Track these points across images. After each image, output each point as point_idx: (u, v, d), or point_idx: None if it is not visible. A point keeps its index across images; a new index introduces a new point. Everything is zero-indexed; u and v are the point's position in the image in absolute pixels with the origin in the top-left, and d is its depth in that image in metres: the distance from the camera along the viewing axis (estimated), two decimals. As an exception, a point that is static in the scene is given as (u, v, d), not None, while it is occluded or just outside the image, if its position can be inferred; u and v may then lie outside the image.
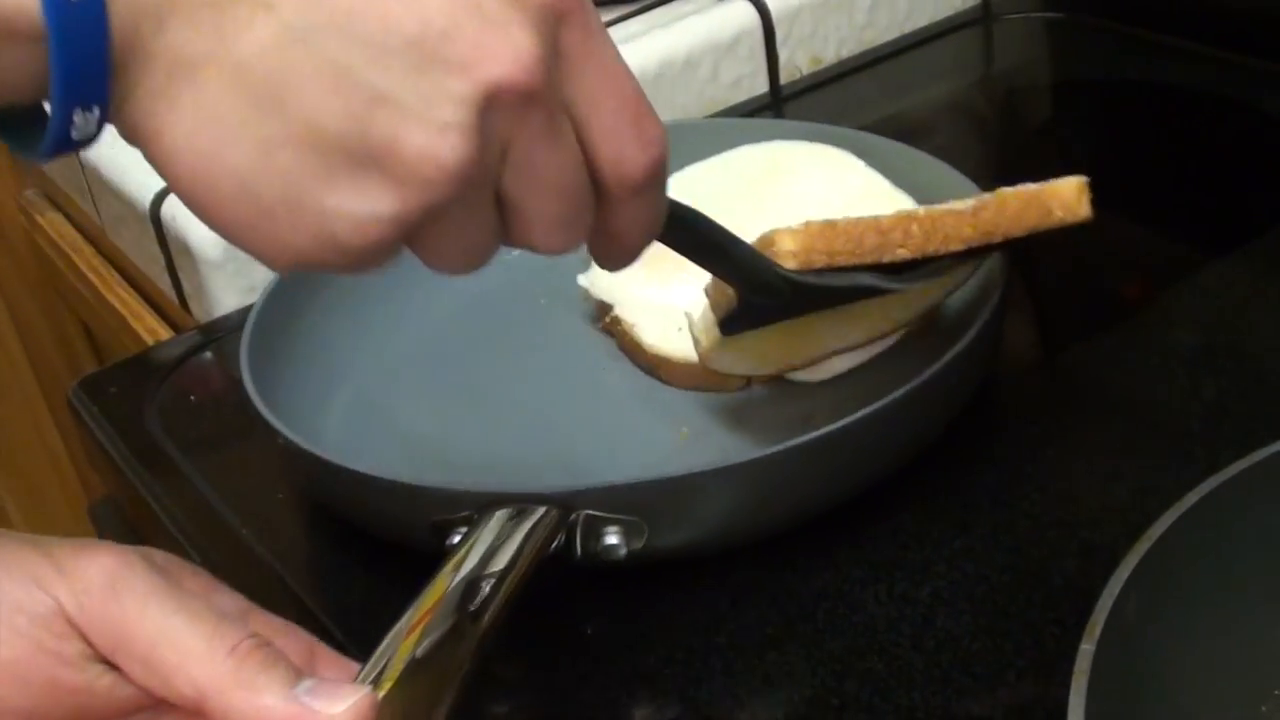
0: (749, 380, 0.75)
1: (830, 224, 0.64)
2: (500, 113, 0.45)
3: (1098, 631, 0.48)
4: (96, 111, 0.42)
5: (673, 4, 1.09)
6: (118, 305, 1.13)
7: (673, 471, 0.61)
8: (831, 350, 0.73)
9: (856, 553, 0.65)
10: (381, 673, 0.50)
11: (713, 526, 0.63)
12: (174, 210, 0.94)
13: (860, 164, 0.82)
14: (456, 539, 0.60)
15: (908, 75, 1.12)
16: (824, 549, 0.65)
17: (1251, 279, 0.82)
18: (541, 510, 0.60)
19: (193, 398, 0.85)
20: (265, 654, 0.50)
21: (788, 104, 1.09)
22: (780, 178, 0.83)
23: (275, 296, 0.79)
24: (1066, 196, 0.68)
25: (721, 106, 1.07)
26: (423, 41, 0.43)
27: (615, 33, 1.05)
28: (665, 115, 1.00)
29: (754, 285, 0.64)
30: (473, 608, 0.55)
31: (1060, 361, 0.78)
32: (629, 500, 0.61)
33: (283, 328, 0.78)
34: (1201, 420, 0.70)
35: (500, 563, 0.57)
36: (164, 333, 1.07)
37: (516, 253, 0.77)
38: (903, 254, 0.65)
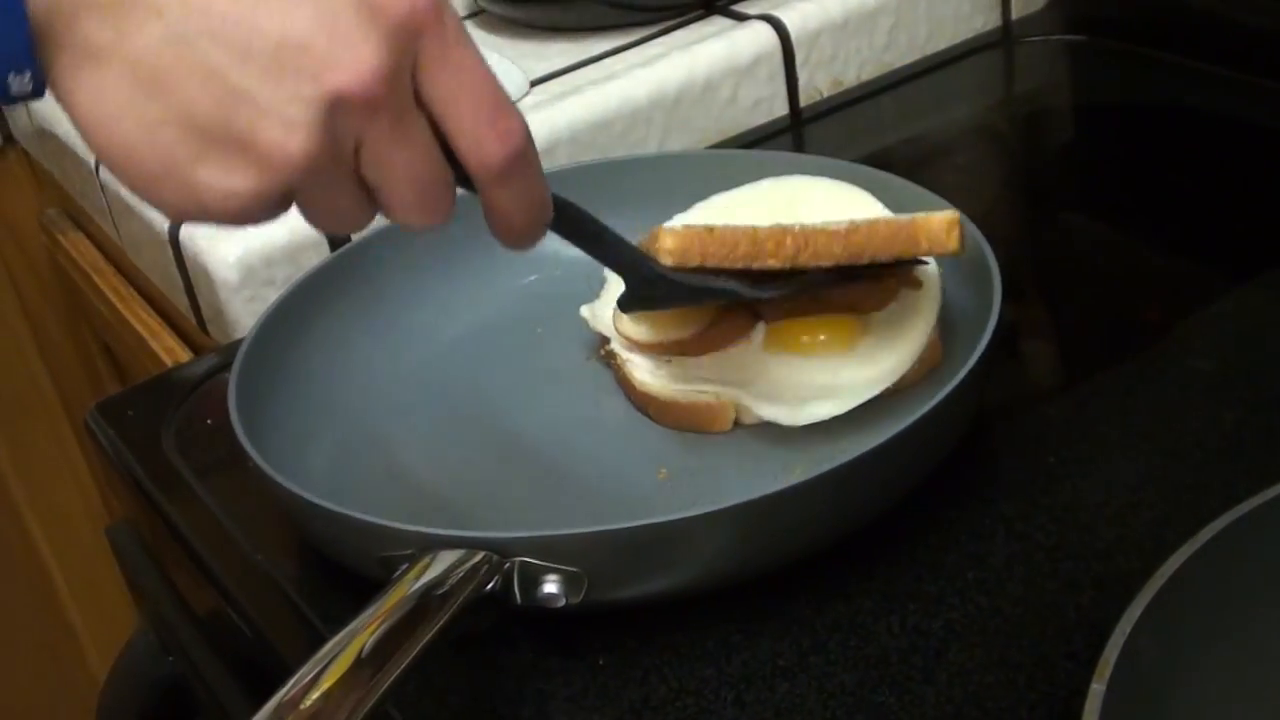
0: (736, 422, 0.75)
1: (709, 228, 0.69)
2: (345, 116, 0.53)
3: (1108, 672, 0.48)
4: (28, 75, 0.52)
5: (692, 27, 1.09)
6: (137, 325, 1.14)
7: (613, 523, 0.62)
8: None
9: (870, 584, 0.65)
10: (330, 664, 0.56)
11: (659, 580, 0.64)
12: (192, 233, 0.94)
13: (877, 204, 0.81)
14: (398, 574, 0.61)
15: (928, 98, 1.12)
16: (838, 580, 0.65)
17: (1270, 306, 0.81)
18: (479, 555, 0.61)
19: (209, 421, 0.85)
20: None
21: (808, 127, 1.09)
22: (796, 213, 0.83)
23: (267, 329, 0.80)
24: (935, 229, 0.71)
25: (741, 129, 1.07)
26: (281, 50, 0.51)
27: (635, 55, 1.06)
28: (684, 138, 1.02)
29: (633, 276, 0.71)
30: (400, 637, 0.58)
31: (1077, 390, 0.77)
32: (565, 550, 0.62)
33: (273, 360, 0.79)
34: (1219, 450, 0.70)
35: (434, 600, 0.59)
36: (183, 353, 1.07)
37: (520, 282, 0.78)
38: (773, 263, 0.70)
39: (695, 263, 0.69)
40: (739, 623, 0.64)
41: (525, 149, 0.58)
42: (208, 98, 0.52)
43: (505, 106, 0.57)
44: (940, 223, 0.71)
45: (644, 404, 0.77)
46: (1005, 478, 0.70)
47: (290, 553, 0.74)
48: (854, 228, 0.70)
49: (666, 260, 0.69)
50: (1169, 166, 0.97)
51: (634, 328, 0.77)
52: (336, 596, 0.70)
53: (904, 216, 0.72)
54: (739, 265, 0.69)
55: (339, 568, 0.69)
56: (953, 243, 0.71)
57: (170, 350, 1.08)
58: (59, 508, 1.56)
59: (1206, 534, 0.54)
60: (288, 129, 0.52)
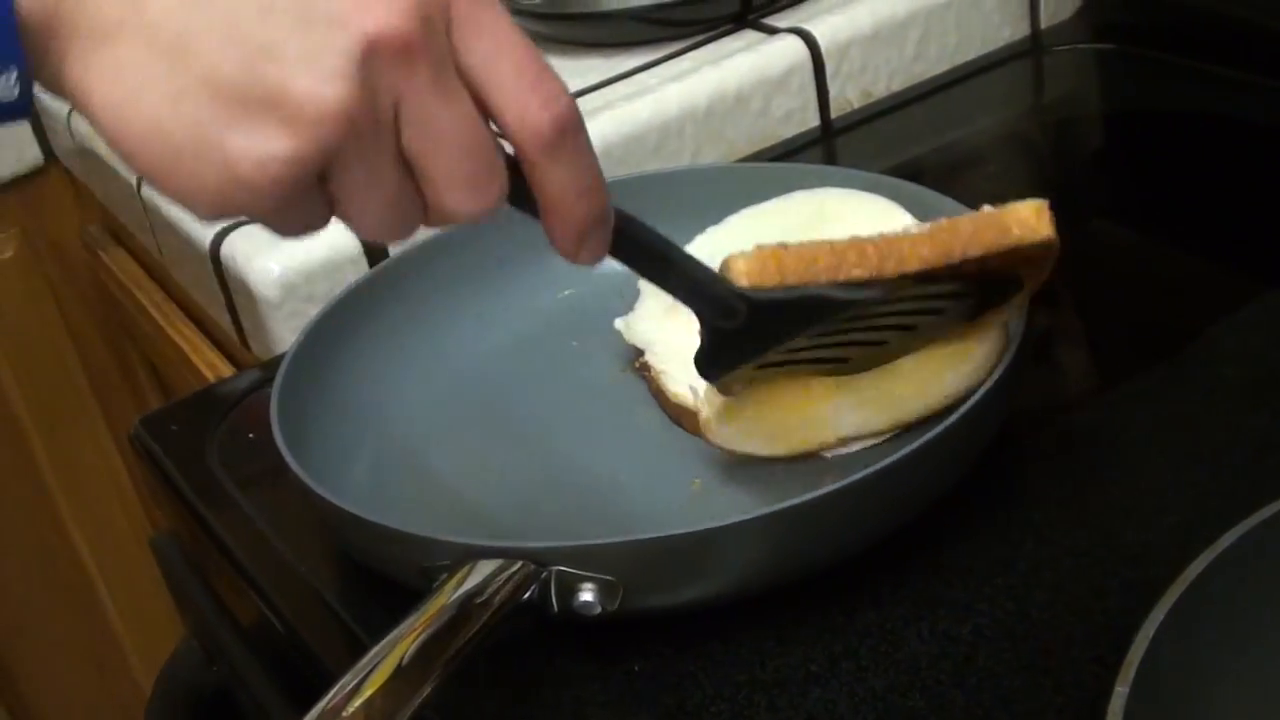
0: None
1: (783, 245, 0.65)
2: (381, 64, 0.49)
3: (1131, 674, 0.49)
4: (15, 74, 0.49)
5: (723, 41, 1.10)
6: (179, 340, 1.16)
7: (647, 533, 0.63)
8: (845, 436, 0.73)
9: (900, 590, 0.66)
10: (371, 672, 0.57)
11: (694, 588, 0.65)
12: (233, 250, 0.95)
13: (907, 216, 0.82)
14: (437, 584, 0.63)
15: (958, 108, 1.13)
16: (869, 586, 0.66)
17: (1299, 313, 0.82)
18: (516, 565, 0.62)
19: (251, 435, 0.86)
20: None
21: (839, 138, 1.10)
22: (825, 226, 0.83)
23: (308, 345, 0.81)
24: (1025, 216, 0.67)
25: (772, 141, 1.08)
26: None
27: (667, 69, 1.07)
28: (715, 150, 1.03)
29: (705, 300, 0.64)
30: (441, 645, 0.59)
31: (1105, 395, 0.78)
32: (600, 560, 0.63)
33: (314, 375, 0.80)
34: (1246, 456, 0.70)
35: (473, 609, 0.61)
36: (224, 368, 1.09)
37: (555, 297, 0.78)
38: (858, 274, 0.65)
39: (773, 282, 0.64)
40: (771, 629, 0.65)
41: (574, 116, 0.54)
42: (233, 56, 0.48)
43: (548, 70, 0.53)
44: (1029, 209, 0.68)
45: (678, 416, 0.78)
46: (1033, 483, 0.71)
47: (331, 563, 0.75)
48: (938, 226, 0.67)
49: (741, 281, 0.64)
50: (1198, 173, 0.98)
51: (738, 435, 0.73)
52: (376, 606, 0.71)
53: (988, 209, 0.69)
54: (821, 279, 0.65)
55: (379, 577, 0.70)
56: (1045, 228, 0.68)
57: (212, 365, 1.09)
58: (102, 519, 1.58)
59: (1229, 539, 0.55)
60: (321, 79, 0.48)
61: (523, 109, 0.53)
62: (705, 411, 0.73)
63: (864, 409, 0.73)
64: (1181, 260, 0.90)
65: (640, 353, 0.82)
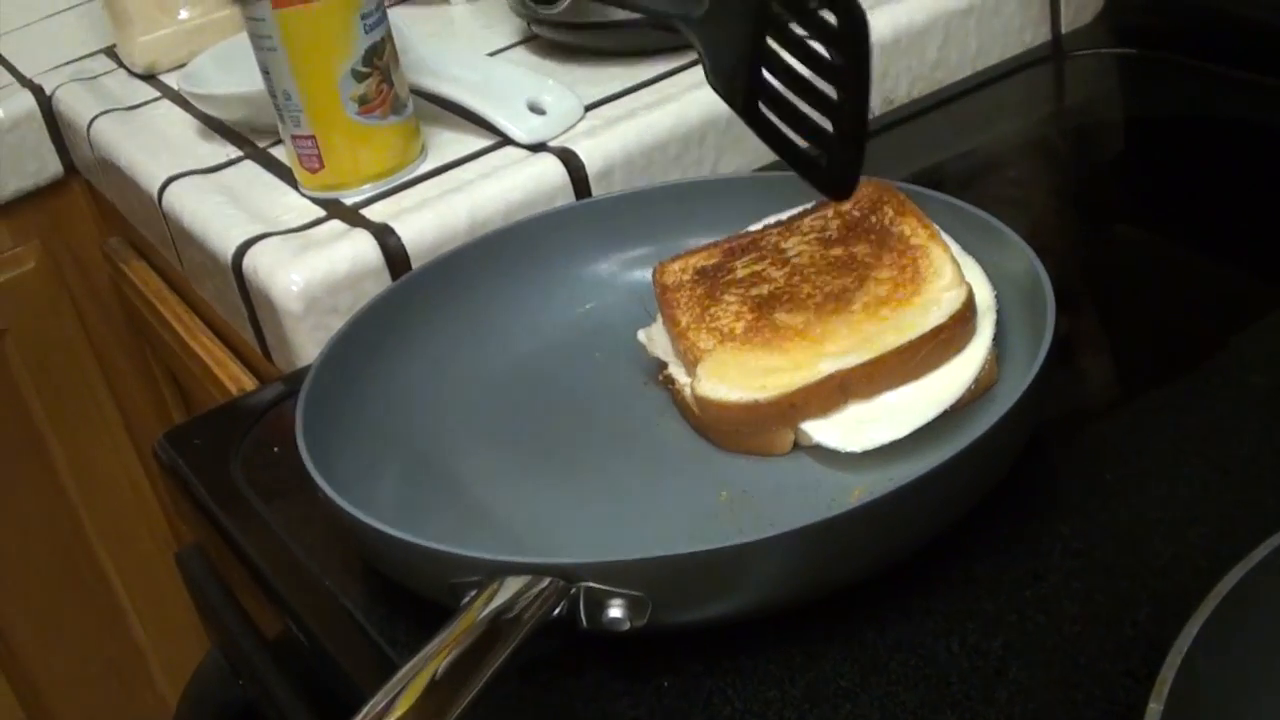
0: (795, 443, 0.75)
1: None
2: None
3: (1166, 690, 0.48)
4: None
5: (744, 49, 1.10)
6: (201, 353, 1.16)
7: (673, 549, 0.63)
8: (832, 372, 0.74)
9: (930, 603, 0.65)
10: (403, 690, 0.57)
11: (722, 603, 0.64)
12: (255, 263, 0.96)
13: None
14: (467, 599, 0.63)
15: (979, 113, 1.13)
16: (898, 600, 0.66)
17: (1326, 320, 0.82)
18: (546, 581, 0.62)
19: (275, 449, 0.86)
20: None
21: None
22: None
23: (331, 359, 0.81)
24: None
25: (793, 149, 1.08)
26: None
27: (688, 78, 1.07)
28: (736, 159, 1.03)
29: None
30: (473, 661, 0.59)
31: (1132, 406, 0.78)
32: (628, 575, 0.63)
33: (338, 389, 0.80)
34: (1274, 466, 0.70)
35: (502, 625, 0.61)
36: (247, 381, 1.09)
37: (578, 310, 0.79)
38: None
39: None
40: (801, 644, 0.65)
41: None
42: None
43: None
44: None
45: (703, 428, 0.78)
46: (1061, 495, 0.71)
47: (357, 577, 0.75)
48: None
49: None
50: (1222, 179, 0.97)
51: (726, 385, 0.76)
52: (403, 621, 0.71)
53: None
54: None
55: (405, 592, 0.70)
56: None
57: (235, 378, 1.10)
58: (125, 532, 1.58)
59: (1262, 551, 0.54)
60: None
61: None
62: (690, 377, 0.76)
63: (846, 350, 0.75)
64: (1206, 266, 0.90)
65: (664, 365, 0.81)
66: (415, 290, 0.87)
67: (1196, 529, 0.67)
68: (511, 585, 0.62)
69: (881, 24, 1.10)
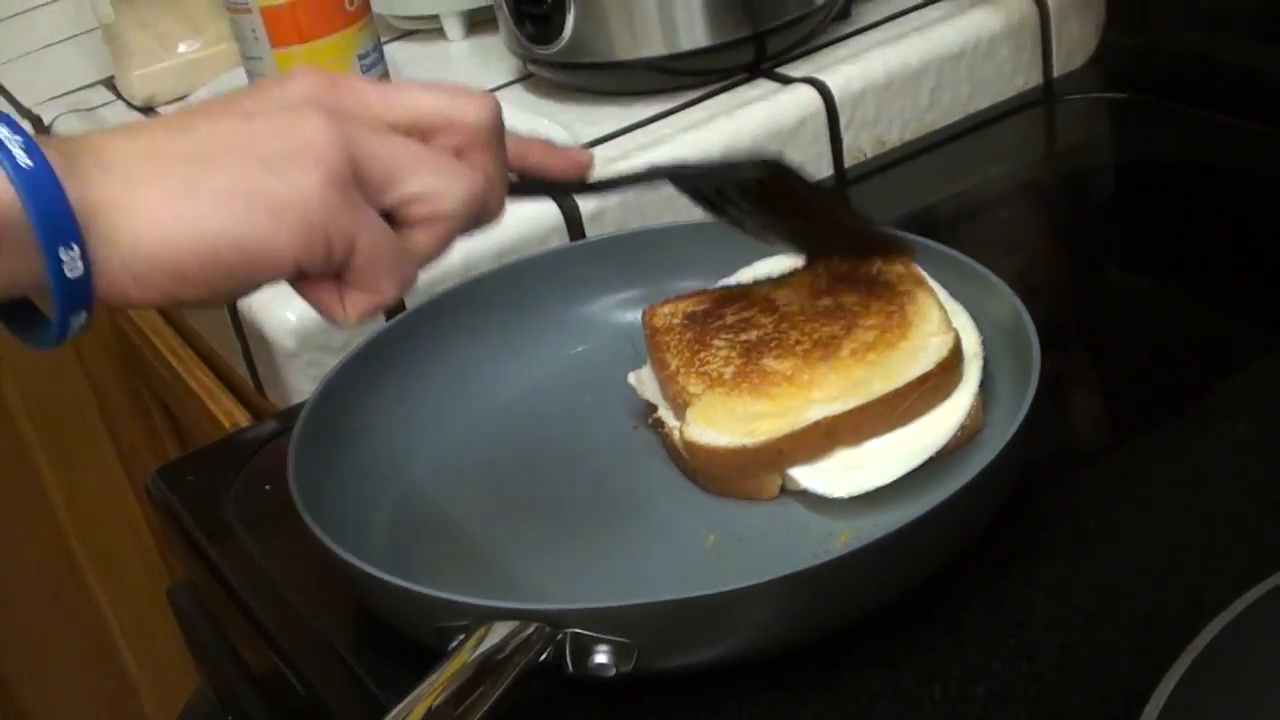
0: (782, 488, 0.76)
1: None
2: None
3: (1143, 744, 0.49)
4: (76, 250, 0.54)
5: (737, 90, 1.11)
6: (195, 387, 1.16)
7: (659, 596, 0.63)
8: (820, 418, 0.74)
9: (912, 651, 0.66)
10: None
11: (709, 649, 0.65)
12: (250, 299, 0.96)
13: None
14: (455, 644, 0.63)
15: (971, 156, 1.13)
16: (881, 647, 0.66)
17: (1311, 368, 0.82)
18: (532, 627, 0.63)
19: (267, 486, 0.87)
20: None
21: (852, 187, 1.10)
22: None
23: (324, 400, 0.81)
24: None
25: (786, 191, 1.09)
26: None
27: (683, 118, 1.08)
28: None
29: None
30: (459, 706, 0.60)
31: (1117, 452, 0.78)
32: (615, 621, 0.63)
33: (330, 430, 0.80)
34: (1259, 514, 0.71)
35: (489, 670, 0.61)
36: (241, 415, 1.09)
37: (570, 352, 0.79)
38: None
39: None
40: (785, 690, 0.65)
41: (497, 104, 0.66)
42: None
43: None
44: None
45: (691, 471, 0.78)
46: (1045, 542, 0.71)
47: (347, 617, 0.75)
48: None
49: None
50: (1210, 225, 0.98)
51: (712, 431, 0.76)
52: (391, 661, 0.72)
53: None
54: None
55: (394, 633, 0.71)
56: None
57: (229, 412, 1.10)
58: (118, 563, 1.58)
59: (1240, 605, 0.55)
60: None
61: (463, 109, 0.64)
62: (688, 418, 0.77)
63: (833, 396, 0.76)
64: (1194, 312, 0.91)
65: (653, 408, 0.82)
66: (408, 331, 0.87)
67: (1179, 578, 0.67)
68: (498, 630, 0.62)
69: (875, 67, 1.11)
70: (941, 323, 0.78)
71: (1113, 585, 0.68)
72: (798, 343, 0.80)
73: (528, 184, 0.71)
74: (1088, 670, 0.63)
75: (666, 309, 0.86)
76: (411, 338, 0.87)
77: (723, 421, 0.76)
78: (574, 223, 1.00)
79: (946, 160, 1.13)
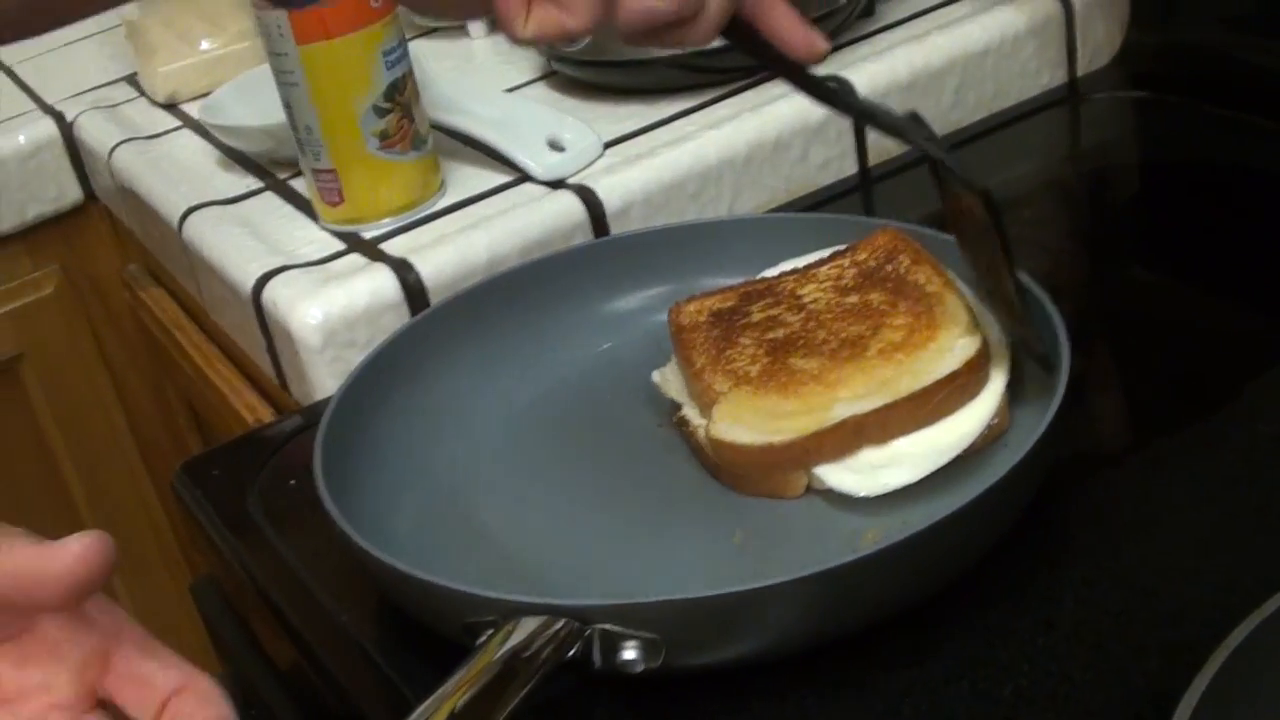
0: (808, 486, 0.76)
1: None
2: None
3: (1175, 745, 0.49)
4: None
5: (762, 88, 1.11)
6: (219, 382, 1.16)
7: (689, 593, 0.63)
8: (846, 417, 0.74)
9: (941, 649, 0.66)
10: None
11: (736, 646, 0.65)
12: (275, 295, 0.96)
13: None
14: (483, 639, 0.63)
15: (995, 155, 1.13)
16: (909, 645, 0.66)
17: (1337, 368, 0.82)
18: (560, 622, 0.63)
19: (292, 481, 0.87)
20: None
21: (876, 185, 1.10)
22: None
23: (350, 395, 0.82)
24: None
25: (811, 188, 1.09)
26: None
27: (706, 116, 1.08)
28: (754, 197, 1.03)
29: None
30: (488, 700, 0.60)
31: (1144, 453, 0.78)
32: (643, 617, 0.63)
33: (357, 426, 0.81)
34: (1284, 515, 0.71)
35: (518, 666, 0.61)
36: (264, 411, 1.09)
37: (596, 350, 0.78)
38: None
39: None
40: (813, 688, 0.65)
41: None
42: None
43: None
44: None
45: (717, 469, 0.78)
46: (1073, 542, 0.71)
47: (372, 613, 0.75)
48: None
49: None
50: (1235, 224, 0.98)
51: (739, 428, 0.77)
52: (416, 657, 0.72)
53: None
54: None
55: (420, 629, 0.71)
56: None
57: (252, 408, 1.10)
58: (139, 558, 1.58)
59: (1272, 604, 0.55)
60: None
61: None
62: (714, 416, 0.77)
63: (860, 395, 0.76)
64: (1219, 312, 0.90)
65: (678, 406, 0.82)
66: (433, 327, 0.88)
67: (1207, 578, 0.67)
68: (527, 626, 0.62)
69: (899, 66, 1.11)
70: (969, 324, 0.78)
71: (1140, 585, 0.68)
72: (824, 342, 0.80)
73: (753, 41, 0.73)
74: (1116, 670, 0.63)
75: (693, 306, 0.86)
76: (436, 334, 0.88)
77: (749, 419, 0.76)
78: (598, 219, 1.01)
79: (970, 159, 1.12)
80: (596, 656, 0.64)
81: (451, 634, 0.67)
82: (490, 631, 0.63)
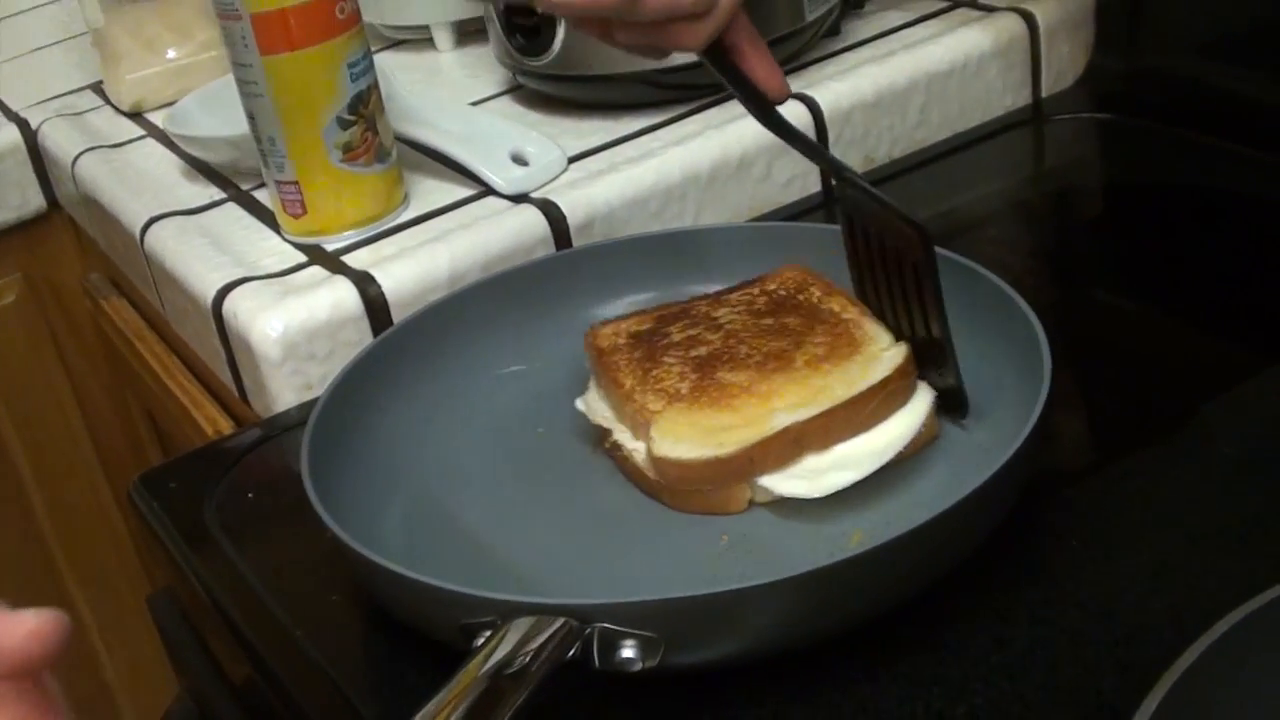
0: (751, 502, 0.76)
1: None
2: None
3: (1124, 767, 0.49)
4: None
5: (726, 105, 1.11)
6: (179, 393, 1.16)
7: (686, 591, 0.63)
8: (788, 425, 0.75)
9: (895, 667, 0.66)
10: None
11: (734, 644, 0.65)
12: (235, 307, 0.96)
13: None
14: (481, 641, 0.63)
15: (959, 174, 1.14)
16: (864, 662, 0.66)
17: (1295, 391, 0.82)
18: (559, 621, 0.63)
19: (250, 495, 0.87)
20: None
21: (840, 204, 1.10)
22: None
23: (336, 397, 0.82)
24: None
25: (775, 206, 1.09)
26: None
27: (671, 132, 1.08)
28: (718, 214, 1.04)
29: None
30: (488, 705, 0.59)
31: (1102, 472, 0.78)
32: (642, 616, 0.63)
33: (340, 432, 0.80)
34: (1242, 537, 0.71)
35: (517, 667, 0.61)
36: (224, 423, 1.09)
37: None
38: None
39: None
40: (771, 704, 0.65)
41: None
42: None
43: None
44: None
45: (656, 490, 0.78)
46: (1029, 561, 0.71)
47: (328, 628, 0.75)
48: None
49: None
50: (1197, 246, 0.98)
51: (683, 445, 0.77)
52: (372, 672, 0.71)
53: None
54: None
55: (377, 642, 0.71)
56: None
57: (212, 419, 1.10)
58: (98, 570, 1.57)
59: (1222, 626, 0.55)
60: None
61: None
62: (653, 435, 0.77)
63: (797, 404, 0.77)
64: (1179, 333, 0.91)
65: (607, 432, 0.82)
66: (416, 332, 0.88)
67: (1162, 598, 0.67)
68: (524, 626, 0.62)
69: (864, 85, 1.11)
70: (891, 340, 0.80)
71: (1096, 605, 0.68)
72: (749, 355, 0.81)
73: (723, 64, 0.79)
74: (1070, 690, 0.63)
75: (609, 329, 0.86)
76: (421, 338, 0.88)
77: (689, 435, 0.77)
78: (561, 234, 1.01)
79: (934, 178, 1.13)
80: (595, 656, 0.63)
81: (446, 637, 0.66)
82: (488, 633, 0.63)
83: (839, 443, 0.76)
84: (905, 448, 0.77)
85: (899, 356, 0.78)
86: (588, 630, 0.63)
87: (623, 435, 0.81)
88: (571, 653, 0.62)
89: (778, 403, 0.77)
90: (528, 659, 0.61)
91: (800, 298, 0.85)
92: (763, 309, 0.85)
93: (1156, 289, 0.95)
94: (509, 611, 0.63)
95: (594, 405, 0.84)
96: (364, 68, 1.00)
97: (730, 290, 0.88)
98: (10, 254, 1.44)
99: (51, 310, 1.48)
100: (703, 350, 0.83)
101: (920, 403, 0.78)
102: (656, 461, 0.77)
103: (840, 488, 0.74)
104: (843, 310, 0.83)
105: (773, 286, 0.87)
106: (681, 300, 0.89)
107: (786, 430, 0.75)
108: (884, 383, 0.77)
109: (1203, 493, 0.74)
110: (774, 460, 0.75)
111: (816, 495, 0.74)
